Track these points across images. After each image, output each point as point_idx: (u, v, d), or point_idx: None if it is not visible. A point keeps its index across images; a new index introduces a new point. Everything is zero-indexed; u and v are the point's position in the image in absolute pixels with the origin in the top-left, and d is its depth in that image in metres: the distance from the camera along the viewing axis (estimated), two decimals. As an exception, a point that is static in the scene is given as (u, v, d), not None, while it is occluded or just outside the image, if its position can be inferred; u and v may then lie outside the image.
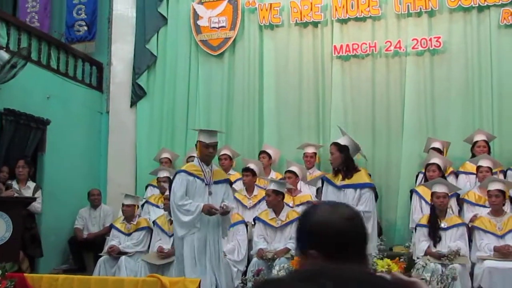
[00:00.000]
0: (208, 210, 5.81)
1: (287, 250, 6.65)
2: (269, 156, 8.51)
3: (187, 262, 5.92)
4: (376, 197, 6.25)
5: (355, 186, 5.94)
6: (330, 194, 6.00)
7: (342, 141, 6.05)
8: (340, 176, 5.99)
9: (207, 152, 6.01)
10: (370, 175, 6.84)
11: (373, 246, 4.80)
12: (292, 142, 8.79)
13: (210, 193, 5.97)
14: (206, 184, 5.97)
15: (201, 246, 5.88)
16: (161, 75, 9.64)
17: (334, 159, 6.01)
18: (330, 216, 1.74)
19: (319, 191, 7.12)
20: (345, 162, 5.95)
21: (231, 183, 6.39)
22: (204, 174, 5.99)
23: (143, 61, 9.64)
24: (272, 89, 9.13)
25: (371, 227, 5.65)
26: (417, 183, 7.81)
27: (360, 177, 5.97)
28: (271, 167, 8.57)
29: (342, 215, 1.75)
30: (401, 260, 4.32)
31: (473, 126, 8.24)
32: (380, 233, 8.29)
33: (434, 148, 7.87)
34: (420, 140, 8.34)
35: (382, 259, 4.27)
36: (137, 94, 9.65)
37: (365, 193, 5.91)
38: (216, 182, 6.03)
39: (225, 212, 5.88)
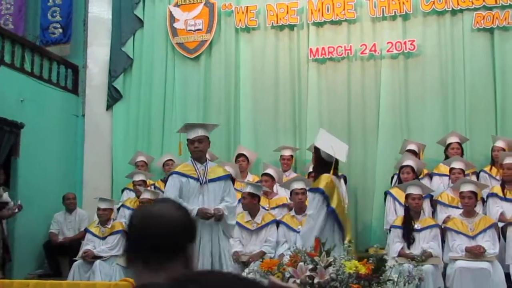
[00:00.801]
0: (203, 214, 5.62)
1: (262, 254, 6.65)
2: (248, 159, 8.51)
3: None
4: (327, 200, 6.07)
5: (311, 191, 5.75)
6: None
7: (316, 141, 5.87)
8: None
9: (192, 148, 5.84)
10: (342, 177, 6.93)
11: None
12: (269, 144, 8.81)
13: (204, 193, 5.78)
14: (200, 184, 5.81)
15: (196, 251, 5.82)
16: (137, 78, 9.60)
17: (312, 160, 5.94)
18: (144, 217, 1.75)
19: (292, 194, 7.14)
20: (317, 164, 5.75)
21: (233, 180, 6.15)
22: (197, 173, 5.83)
23: (119, 64, 9.59)
24: (248, 92, 9.15)
25: (310, 228, 5.53)
26: (392, 185, 7.88)
27: (317, 181, 5.68)
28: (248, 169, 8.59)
29: (149, 215, 1.74)
30: (370, 261, 4.35)
31: (447, 128, 8.35)
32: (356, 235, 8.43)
33: (409, 150, 7.95)
34: (395, 142, 8.42)
35: (350, 260, 4.29)
36: (113, 97, 9.60)
37: (309, 196, 5.81)
38: (211, 180, 5.84)
39: (218, 216, 5.66)
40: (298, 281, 4.33)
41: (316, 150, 5.64)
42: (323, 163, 5.50)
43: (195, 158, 5.89)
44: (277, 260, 4.58)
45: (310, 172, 7.41)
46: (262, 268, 4.52)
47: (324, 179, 5.43)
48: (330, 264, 4.41)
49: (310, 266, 4.39)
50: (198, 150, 5.83)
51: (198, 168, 5.82)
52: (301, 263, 4.41)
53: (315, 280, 4.30)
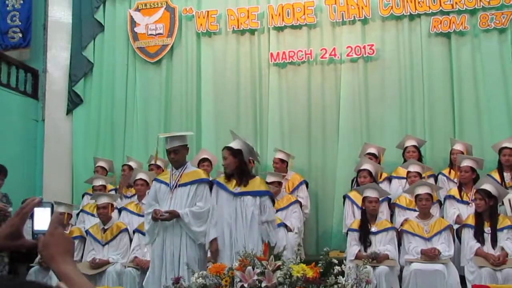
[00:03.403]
0: (153, 216, 5.75)
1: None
2: (211, 164, 8.47)
3: (150, 268, 5.94)
4: (273, 203, 6.15)
5: (253, 194, 5.74)
6: (224, 201, 5.79)
7: (235, 144, 5.83)
8: (234, 182, 5.78)
9: (169, 158, 6.06)
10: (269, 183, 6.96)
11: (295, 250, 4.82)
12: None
13: (173, 197, 5.84)
14: (170, 188, 5.88)
15: (159, 253, 5.81)
16: (98, 82, 9.54)
17: (228, 164, 5.79)
18: None
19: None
20: (239, 167, 5.77)
21: (211, 184, 6.04)
22: (170, 179, 5.91)
23: (80, 68, 9.52)
24: (210, 96, 9.15)
25: (275, 234, 5.64)
26: (351, 188, 7.93)
27: (257, 185, 5.79)
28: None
29: None
30: (319, 264, 4.36)
31: (406, 131, 8.43)
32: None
33: (369, 154, 8.00)
34: (355, 145, 8.48)
35: (298, 264, 4.30)
36: (74, 101, 9.52)
37: (265, 201, 5.76)
38: (181, 185, 5.86)
39: (168, 218, 5.70)
40: (246, 285, 4.32)
41: (238, 152, 5.72)
42: (245, 164, 5.76)
43: (173, 166, 6.03)
44: (225, 265, 4.56)
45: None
46: (211, 272, 4.50)
47: (261, 180, 5.77)
48: (278, 268, 4.41)
49: (258, 270, 4.38)
50: (174, 161, 5.97)
51: (172, 174, 5.95)
52: (249, 267, 4.40)
53: (263, 284, 4.29)
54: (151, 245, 6.01)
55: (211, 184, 5.98)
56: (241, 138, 6.03)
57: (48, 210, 1.84)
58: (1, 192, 6.52)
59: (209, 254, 5.89)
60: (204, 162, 8.34)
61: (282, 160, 8.17)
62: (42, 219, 1.83)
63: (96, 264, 7.03)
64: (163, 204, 5.88)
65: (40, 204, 1.85)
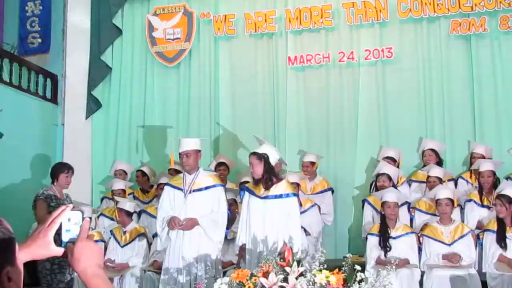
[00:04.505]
0: (171, 224, 5.75)
1: (231, 263, 6.70)
2: (228, 168, 8.48)
3: (164, 273, 5.93)
4: (300, 205, 6.19)
5: (279, 197, 5.74)
6: (252, 205, 5.79)
7: (262, 150, 5.82)
8: (261, 187, 5.78)
9: (181, 162, 6.04)
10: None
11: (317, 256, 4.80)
12: (247, 152, 8.76)
13: (188, 203, 5.87)
14: (184, 194, 5.89)
15: (176, 258, 5.84)
16: (117, 87, 9.59)
17: (255, 169, 5.77)
18: None
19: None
20: (266, 171, 5.74)
21: (225, 189, 6.14)
22: (183, 184, 5.92)
23: (98, 73, 9.58)
24: (228, 100, 9.17)
25: (298, 238, 5.62)
26: (370, 192, 7.89)
27: (283, 188, 5.77)
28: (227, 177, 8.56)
29: None
30: (342, 270, 4.34)
31: (425, 135, 8.38)
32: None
33: (388, 157, 7.96)
34: (374, 149, 8.45)
35: (321, 271, 4.29)
36: (92, 106, 9.59)
37: (289, 204, 5.74)
38: (196, 191, 5.88)
39: (188, 227, 5.73)
40: (269, 292, 4.31)
41: (264, 157, 5.73)
42: (272, 168, 5.78)
43: (185, 170, 6.03)
44: (248, 271, 4.56)
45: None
46: (234, 279, 4.50)
47: (288, 183, 5.84)
48: (301, 274, 4.40)
49: (282, 277, 4.38)
50: (186, 164, 5.98)
51: (185, 179, 5.94)
52: (272, 274, 4.39)
53: (286, 291, 4.29)
54: (166, 248, 6.02)
55: (225, 189, 6.06)
56: (267, 142, 6.06)
57: (79, 217, 1.84)
58: (63, 192, 6.54)
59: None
60: (220, 167, 8.36)
61: (312, 163, 8.17)
62: (71, 226, 1.84)
63: (113, 264, 7.11)
64: (177, 210, 5.88)
65: (70, 211, 1.86)
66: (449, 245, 6.55)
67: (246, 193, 5.94)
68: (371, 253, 6.69)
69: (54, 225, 1.83)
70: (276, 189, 5.75)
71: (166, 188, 6.12)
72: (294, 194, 5.90)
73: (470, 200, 7.22)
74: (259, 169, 5.75)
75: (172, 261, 5.89)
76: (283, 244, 5.39)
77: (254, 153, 5.83)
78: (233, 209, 7.12)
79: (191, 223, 5.77)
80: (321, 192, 8.07)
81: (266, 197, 5.74)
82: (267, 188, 5.74)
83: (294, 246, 5.25)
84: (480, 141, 8.09)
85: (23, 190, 8.69)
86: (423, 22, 8.59)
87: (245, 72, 9.16)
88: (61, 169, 6.43)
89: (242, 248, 5.75)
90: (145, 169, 8.65)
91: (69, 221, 1.85)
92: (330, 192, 8.14)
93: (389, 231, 6.72)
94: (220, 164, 8.41)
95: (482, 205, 7.16)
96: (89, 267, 1.70)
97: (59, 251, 1.81)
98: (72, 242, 1.75)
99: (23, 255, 1.81)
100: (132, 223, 7.46)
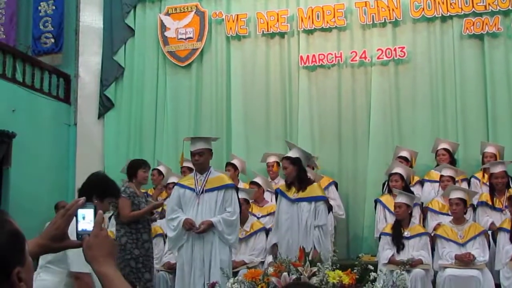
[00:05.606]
0: (185, 225, 5.73)
1: (243, 263, 6.71)
2: (235, 168, 8.44)
3: (178, 274, 5.92)
4: (330, 209, 6.28)
5: (309, 200, 5.93)
6: (284, 207, 6.00)
7: (293, 153, 6.05)
8: (294, 189, 5.98)
9: (193, 161, 6.02)
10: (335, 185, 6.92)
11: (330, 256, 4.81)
12: (260, 152, 8.75)
13: (200, 203, 5.84)
14: (196, 194, 5.87)
15: (188, 259, 5.82)
16: (129, 86, 9.64)
17: (288, 173, 6.00)
18: None
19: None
20: (298, 174, 5.97)
21: (237, 189, 6.20)
22: (195, 184, 5.90)
23: (111, 72, 9.63)
24: (239, 100, 9.17)
25: (328, 239, 5.73)
26: (383, 192, 7.85)
27: (314, 190, 5.98)
28: (239, 177, 8.55)
29: None
30: (354, 270, 4.33)
31: (438, 135, 8.32)
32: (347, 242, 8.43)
33: (401, 157, 7.92)
34: (386, 148, 8.42)
35: (334, 271, 4.28)
36: (105, 105, 9.64)
37: (319, 206, 5.92)
38: (208, 190, 5.87)
39: (205, 230, 5.70)
40: (282, 291, 4.31)
41: (297, 161, 5.90)
42: (304, 172, 5.97)
43: (196, 169, 6.02)
44: (260, 271, 4.57)
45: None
46: (247, 279, 4.50)
47: (319, 186, 6.04)
48: (314, 274, 4.40)
49: (294, 276, 4.38)
50: (198, 163, 5.96)
51: (197, 179, 5.92)
52: (285, 273, 4.39)
53: (299, 290, 4.28)
54: (177, 251, 5.99)
55: (237, 189, 6.12)
56: (297, 146, 6.24)
57: (92, 211, 1.87)
58: (142, 191, 6.54)
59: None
60: (227, 167, 8.34)
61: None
62: (86, 220, 1.87)
63: None
64: (188, 210, 5.85)
65: (83, 205, 1.89)
66: (462, 245, 6.51)
67: (279, 196, 6.15)
68: (383, 253, 6.66)
69: (69, 218, 1.86)
70: (307, 192, 5.92)
71: (176, 187, 6.11)
72: (323, 197, 6.05)
73: (482, 203, 7.16)
74: (292, 173, 5.94)
75: (185, 261, 5.88)
76: (311, 249, 5.41)
77: (287, 158, 6.03)
78: (244, 209, 7.11)
79: (207, 227, 5.74)
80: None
81: (296, 200, 5.93)
82: (299, 190, 5.93)
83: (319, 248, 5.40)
84: (493, 141, 8.04)
85: (36, 189, 8.77)
86: (436, 22, 8.56)
87: (257, 72, 9.16)
88: (139, 165, 6.37)
89: (275, 247, 5.91)
90: (161, 168, 8.65)
91: (83, 219, 1.88)
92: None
93: (403, 231, 6.69)
94: (227, 164, 8.40)
95: (494, 208, 7.09)
96: (100, 256, 1.72)
97: (75, 244, 1.84)
98: (88, 234, 1.79)
99: (38, 249, 1.83)
100: None
